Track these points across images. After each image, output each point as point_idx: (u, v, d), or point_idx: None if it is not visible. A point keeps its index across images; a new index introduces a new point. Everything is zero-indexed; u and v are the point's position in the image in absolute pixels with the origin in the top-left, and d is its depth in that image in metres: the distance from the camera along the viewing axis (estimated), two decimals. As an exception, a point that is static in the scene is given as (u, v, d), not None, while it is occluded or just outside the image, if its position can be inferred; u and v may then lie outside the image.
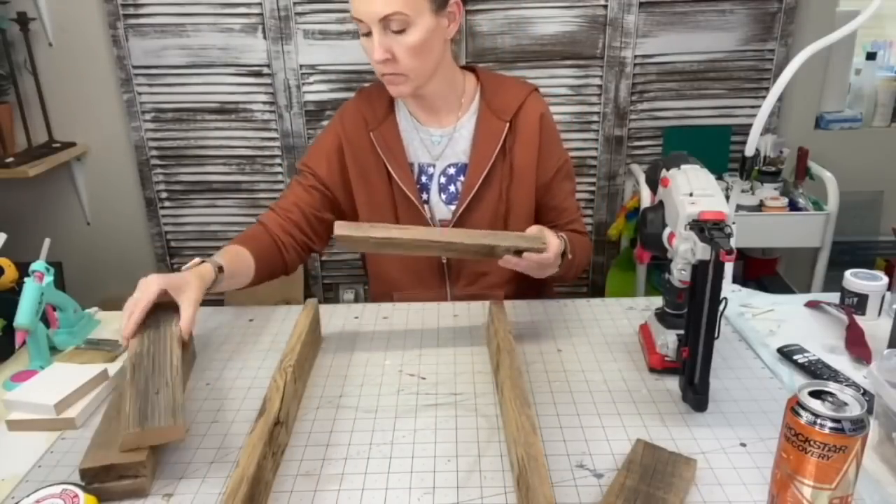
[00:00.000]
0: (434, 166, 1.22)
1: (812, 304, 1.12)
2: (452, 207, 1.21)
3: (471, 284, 1.24)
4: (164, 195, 2.36)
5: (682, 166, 0.87)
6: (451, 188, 1.22)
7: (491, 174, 1.19)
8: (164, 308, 0.98)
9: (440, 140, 1.21)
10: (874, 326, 1.02)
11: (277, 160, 2.30)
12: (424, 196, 1.22)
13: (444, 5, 1.09)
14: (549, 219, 1.24)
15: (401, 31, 1.06)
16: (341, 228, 0.95)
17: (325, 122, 2.24)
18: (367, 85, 1.27)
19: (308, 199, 1.20)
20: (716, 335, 0.79)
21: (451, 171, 1.22)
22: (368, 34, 1.07)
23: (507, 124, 1.18)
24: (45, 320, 1.00)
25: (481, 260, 1.21)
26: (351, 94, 1.31)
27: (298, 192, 1.21)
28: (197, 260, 1.02)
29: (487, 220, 1.21)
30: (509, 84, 1.23)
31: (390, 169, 1.19)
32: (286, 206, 1.20)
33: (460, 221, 1.20)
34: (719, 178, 2.16)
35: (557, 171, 1.23)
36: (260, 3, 2.11)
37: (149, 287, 0.93)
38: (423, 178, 1.22)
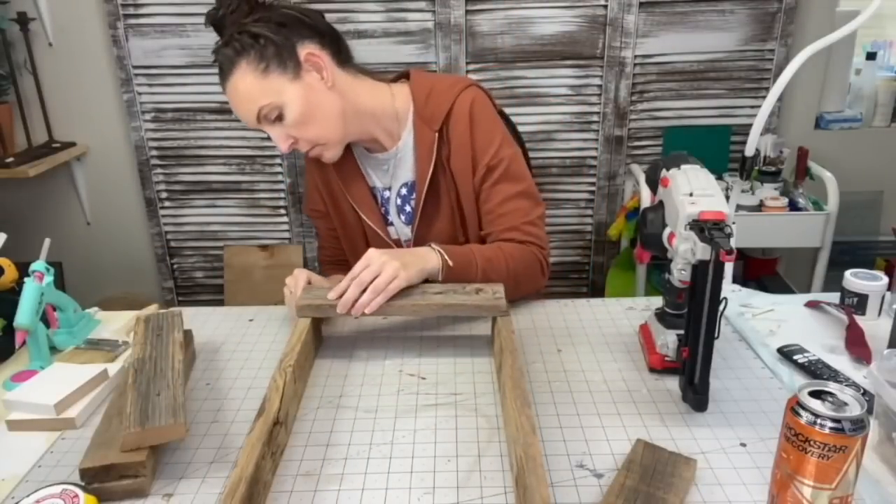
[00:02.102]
0: (390, 189, 1.21)
1: (812, 304, 1.12)
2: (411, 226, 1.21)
3: None
4: (164, 195, 2.36)
5: (682, 166, 0.87)
6: (407, 208, 1.20)
7: (435, 187, 1.15)
8: (166, 313, 0.98)
9: (385, 162, 1.19)
10: (874, 326, 1.02)
11: (277, 160, 2.30)
12: (390, 218, 1.22)
13: (298, 65, 1.03)
14: (486, 223, 1.16)
15: (279, 118, 1.04)
16: (303, 305, 0.99)
17: (325, 122, 2.25)
18: None
19: (338, 242, 1.29)
20: (716, 335, 0.79)
21: (404, 190, 1.20)
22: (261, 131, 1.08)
23: (436, 134, 1.12)
24: (45, 320, 1.00)
25: None
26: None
27: (328, 239, 1.31)
28: None
29: (448, 232, 1.18)
30: (439, 87, 1.14)
31: (349, 198, 1.20)
32: (332, 254, 1.31)
33: (420, 238, 1.19)
34: (719, 178, 2.16)
35: (489, 170, 1.13)
36: (260, 3, 2.11)
37: (301, 274, 1.04)
38: (382, 202, 1.22)
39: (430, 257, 1.03)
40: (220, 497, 0.64)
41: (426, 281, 1.20)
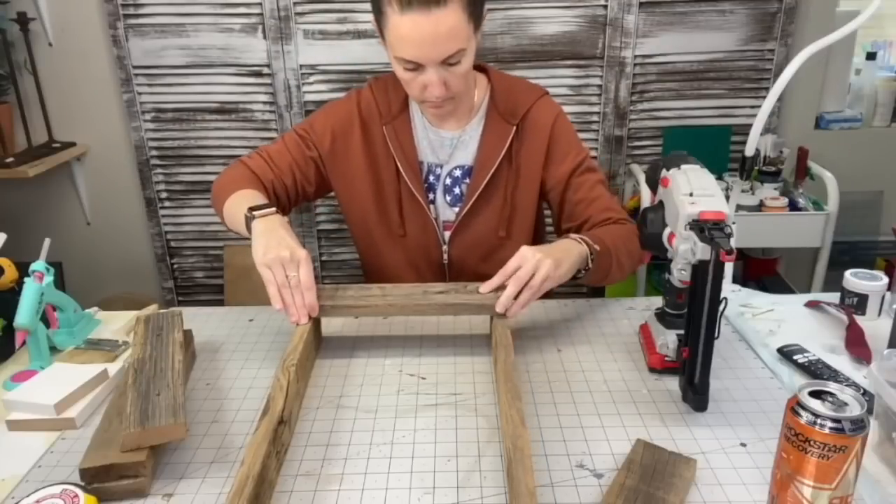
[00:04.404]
0: (441, 167, 1.21)
1: (812, 304, 1.12)
2: (456, 209, 1.21)
3: None
4: (164, 195, 2.36)
5: (682, 166, 0.88)
6: (456, 190, 1.21)
7: (496, 178, 1.18)
8: (166, 313, 0.98)
9: (450, 142, 1.20)
10: (874, 326, 1.02)
11: (277, 160, 2.30)
12: (431, 196, 1.21)
13: (480, 20, 1.07)
14: (580, 213, 1.19)
15: (457, 63, 1.04)
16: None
17: (325, 122, 2.24)
18: (381, 75, 1.24)
19: (303, 168, 1.20)
20: (716, 335, 0.79)
21: (458, 173, 1.21)
22: (415, 69, 1.04)
23: (514, 128, 1.17)
24: (45, 320, 1.00)
25: (482, 262, 1.21)
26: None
27: (297, 156, 1.20)
28: (273, 209, 1.03)
29: (491, 223, 1.20)
30: (519, 87, 1.22)
31: (400, 166, 1.18)
32: (282, 165, 1.19)
33: (463, 223, 1.20)
34: (719, 178, 2.16)
35: (577, 167, 1.19)
36: (260, 3, 2.11)
37: (306, 264, 0.95)
38: (431, 178, 1.21)
39: (574, 247, 1.03)
40: (226, 496, 0.64)
41: (427, 281, 1.20)
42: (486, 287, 0.98)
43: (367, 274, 1.34)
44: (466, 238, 1.21)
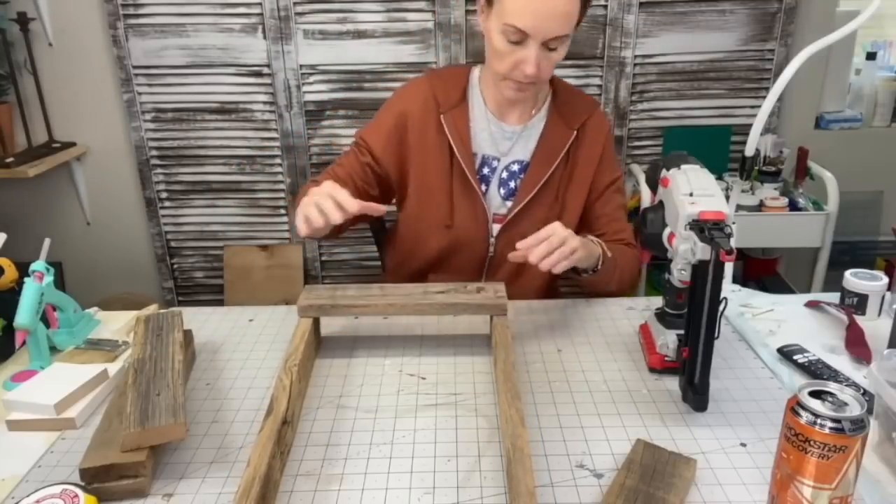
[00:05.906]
0: (499, 160, 1.23)
1: (812, 304, 1.12)
2: (509, 203, 1.22)
3: (512, 280, 1.22)
4: (164, 195, 2.36)
5: (682, 166, 0.88)
6: (511, 184, 1.23)
7: (551, 176, 1.20)
8: (166, 313, 0.98)
9: (511, 136, 1.22)
10: (874, 326, 1.02)
11: (277, 160, 2.30)
12: (483, 187, 1.23)
13: (583, 18, 1.11)
14: (599, 226, 1.25)
15: (555, 49, 1.08)
16: (304, 305, 0.99)
17: (325, 122, 2.24)
18: (436, 67, 1.26)
19: (361, 175, 1.24)
20: (716, 335, 0.79)
21: (515, 167, 1.23)
22: (519, 43, 1.07)
23: (575, 133, 1.21)
24: (45, 320, 1.00)
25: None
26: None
27: (354, 165, 1.24)
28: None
29: (540, 220, 1.19)
30: (579, 95, 1.28)
31: (457, 153, 1.19)
32: (343, 177, 1.23)
33: (516, 218, 1.21)
34: (719, 178, 2.16)
35: (611, 184, 1.25)
36: (260, 3, 2.11)
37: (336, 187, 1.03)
38: (485, 170, 1.23)
39: (592, 245, 1.10)
40: (235, 496, 0.64)
41: (465, 274, 1.22)
42: (522, 244, 1.00)
43: (398, 263, 1.33)
44: (515, 233, 1.20)
